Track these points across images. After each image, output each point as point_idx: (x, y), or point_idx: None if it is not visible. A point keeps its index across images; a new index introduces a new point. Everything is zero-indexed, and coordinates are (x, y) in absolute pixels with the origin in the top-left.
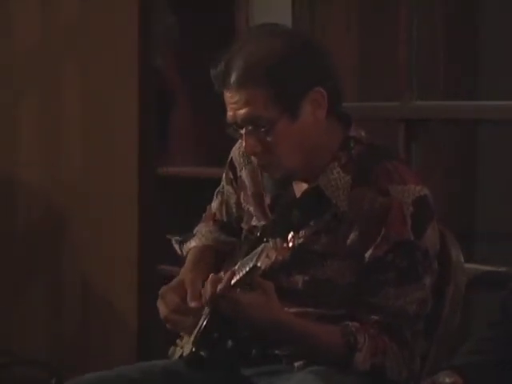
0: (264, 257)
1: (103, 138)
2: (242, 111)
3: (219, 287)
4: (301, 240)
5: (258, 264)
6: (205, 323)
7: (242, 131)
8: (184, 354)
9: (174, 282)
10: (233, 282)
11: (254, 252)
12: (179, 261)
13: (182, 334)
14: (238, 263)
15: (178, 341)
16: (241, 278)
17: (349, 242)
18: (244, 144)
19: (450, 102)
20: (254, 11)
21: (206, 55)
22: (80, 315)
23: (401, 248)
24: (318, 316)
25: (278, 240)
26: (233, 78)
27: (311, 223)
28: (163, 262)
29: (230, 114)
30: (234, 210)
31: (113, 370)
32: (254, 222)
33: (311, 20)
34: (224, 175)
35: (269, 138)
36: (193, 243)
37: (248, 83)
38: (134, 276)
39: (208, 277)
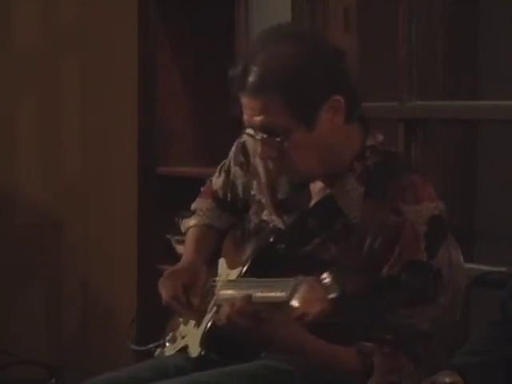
0: (297, 302)
1: (103, 138)
2: (258, 118)
3: (237, 305)
4: (308, 248)
5: (293, 303)
6: (210, 324)
7: (258, 137)
8: (192, 356)
9: (180, 264)
10: (253, 298)
11: (279, 280)
12: (179, 260)
13: (169, 334)
14: (255, 284)
15: (167, 340)
16: (266, 304)
17: (363, 255)
18: (260, 150)
19: (449, 101)
20: (253, 9)
21: (206, 54)
22: (79, 315)
23: (414, 268)
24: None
25: (313, 282)
26: (250, 84)
27: (323, 236)
28: (162, 262)
29: (246, 118)
30: (240, 191)
31: (127, 369)
32: (264, 216)
33: (311, 19)
34: (232, 154)
35: (285, 146)
36: (193, 221)
37: (265, 91)
38: (134, 276)
39: (210, 260)
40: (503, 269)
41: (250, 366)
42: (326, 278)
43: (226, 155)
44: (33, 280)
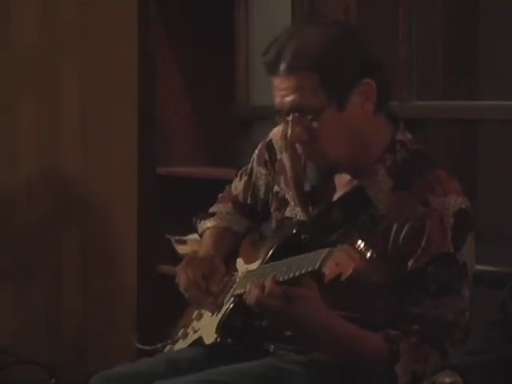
0: (332, 264)
1: (103, 138)
2: (290, 98)
3: (267, 286)
4: (332, 238)
5: (323, 269)
6: (228, 311)
7: (289, 118)
8: (207, 343)
9: (201, 255)
10: (280, 279)
11: (305, 255)
12: (178, 261)
13: (180, 331)
14: (281, 265)
15: (179, 336)
16: (294, 278)
17: (389, 246)
18: (289, 132)
19: (449, 101)
20: (253, 9)
21: (206, 54)
22: (79, 315)
23: (441, 260)
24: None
25: (347, 246)
26: (283, 64)
27: (347, 227)
28: (162, 262)
29: (277, 100)
30: (261, 192)
31: (138, 363)
32: (288, 213)
33: (311, 15)
34: (256, 156)
35: (315, 126)
36: (211, 223)
37: (298, 70)
38: (134, 276)
39: (226, 260)
40: (503, 269)
41: (258, 366)
42: (360, 244)
43: (225, 155)
44: (33, 280)
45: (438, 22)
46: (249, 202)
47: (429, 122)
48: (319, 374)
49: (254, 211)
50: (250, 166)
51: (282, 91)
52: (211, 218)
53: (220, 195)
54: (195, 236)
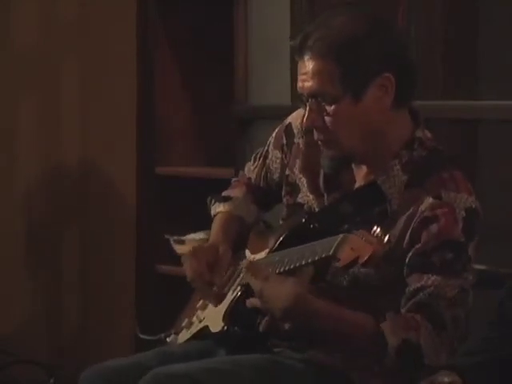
0: (348, 249)
1: (102, 138)
2: (309, 83)
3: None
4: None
5: (338, 255)
6: (236, 300)
7: (308, 103)
8: (213, 331)
9: (208, 244)
10: (287, 268)
11: (315, 243)
12: (177, 260)
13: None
14: (292, 253)
15: (183, 326)
16: (311, 263)
17: (395, 239)
18: (305, 117)
19: (449, 101)
20: (252, 9)
21: (205, 54)
22: (79, 315)
23: (449, 245)
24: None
25: (363, 232)
26: (307, 49)
27: (357, 219)
28: (161, 262)
29: (299, 84)
30: (275, 176)
31: (130, 357)
32: (300, 199)
33: (310, 15)
34: (273, 139)
35: (330, 115)
36: (225, 207)
37: (319, 57)
38: (133, 275)
39: (234, 247)
40: (501, 269)
41: (259, 358)
42: (376, 229)
43: (224, 155)
44: (32, 280)
45: (438, 21)
46: (262, 185)
47: (429, 122)
48: (317, 371)
49: (266, 195)
50: (265, 148)
51: (303, 75)
52: (225, 203)
53: (233, 179)
54: (194, 236)
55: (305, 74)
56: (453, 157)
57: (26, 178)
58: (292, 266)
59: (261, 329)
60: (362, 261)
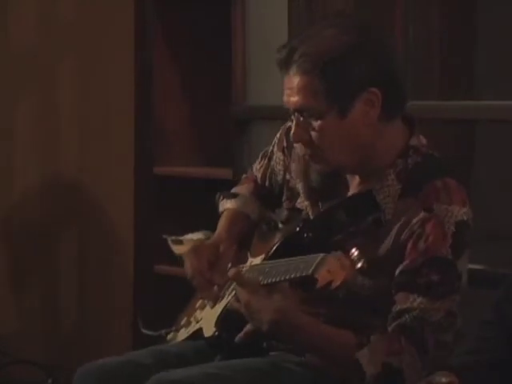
0: (324, 271)
1: (100, 138)
2: (295, 98)
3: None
4: (334, 239)
5: (316, 275)
6: (228, 305)
7: (294, 117)
8: (206, 335)
9: (211, 240)
10: (272, 280)
11: (300, 258)
12: (175, 261)
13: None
14: (280, 265)
15: (182, 324)
16: (284, 281)
17: (382, 248)
18: (292, 131)
19: (447, 101)
20: (250, 9)
21: (203, 54)
22: (77, 316)
23: (437, 263)
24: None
25: (340, 254)
26: (292, 64)
27: (351, 228)
28: (159, 262)
29: (285, 99)
30: (279, 177)
31: (123, 355)
32: (298, 204)
33: (308, 16)
34: (276, 140)
35: (315, 130)
36: (232, 204)
37: (304, 72)
38: (131, 276)
39: (239, 244)
40: (499, 269)
41: (258, 362)
42: (354, 252)
43: (222, 155)
44: (30, 280)
45: (435, 22)
46: (267, 184)
47: (425, 123)
48: (314, 374)
49: (271, 194)
50: (270, 148)
51: (288, 90)
52: (232, 200)
53: (243, 176)
54: (192, 236)
55: (290, 88)
56: (447, 163)
57: (25, 178)
58: (277, 280)
59: (236, 340)
60: (334, 285)
